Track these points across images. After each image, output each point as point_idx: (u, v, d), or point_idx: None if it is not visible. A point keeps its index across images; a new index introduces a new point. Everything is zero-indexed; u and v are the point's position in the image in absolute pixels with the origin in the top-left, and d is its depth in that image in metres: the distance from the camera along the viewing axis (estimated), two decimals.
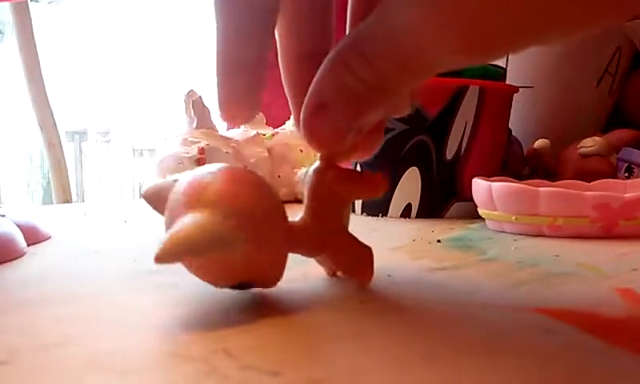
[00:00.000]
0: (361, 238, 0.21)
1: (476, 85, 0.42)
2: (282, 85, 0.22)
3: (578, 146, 0.49)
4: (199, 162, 0.48)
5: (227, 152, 0.51)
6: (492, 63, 0.44)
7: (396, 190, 0.43)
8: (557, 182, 0.40)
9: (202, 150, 0.49)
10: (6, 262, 0.27)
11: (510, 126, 0.48)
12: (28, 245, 0.31)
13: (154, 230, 0.40)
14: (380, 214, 0.44)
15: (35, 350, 0.15)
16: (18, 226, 0.30)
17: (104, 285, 0.23)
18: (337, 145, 0.18)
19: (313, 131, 0.18)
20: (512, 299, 0.20)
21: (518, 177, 0.42)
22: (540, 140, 0.52)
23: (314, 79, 0.18)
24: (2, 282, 0.24)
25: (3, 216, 0.31)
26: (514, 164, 0.49)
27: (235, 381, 0.13)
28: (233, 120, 0.20)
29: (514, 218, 0.34)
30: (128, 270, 0.25)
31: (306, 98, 0.18)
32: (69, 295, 0.21)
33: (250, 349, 0.15)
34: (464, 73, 0.42)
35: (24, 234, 0.30)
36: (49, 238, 0.35)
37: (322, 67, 0.17)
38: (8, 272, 0.25)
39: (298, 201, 0.57)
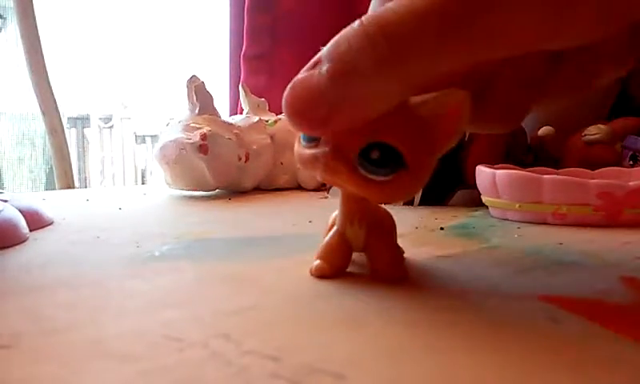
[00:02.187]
0: None
1: None
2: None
3: (583, 134, 0.49)
4: (201, 148, 0.48)
5: (229, 138, 0.51)
6: None
7: None
8: (561, 170, 0.40)
9: (204, 136, 0.49)
10: (8, 247, 0.27)
11: None
12: (31, 230, 0.31)
13: (156, 216, 0.40)
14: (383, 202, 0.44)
15: (38, 334, 0.15)
16: (21, 211, 0.30)
17: (106, 270, 0.23)
18: (310, 108, 0.16)
19: (295, 84, 0.16)
20: (515, 287, 0.19)
21: (522, 164, 0.42)
22: (544, 127, 0.52)
23: None
24: (5, 266, 0.24)
25: (6, 201, 0.31)
26: (518, 152, 0.49)
27: (235, 366, 0.13)
28: None
29: (517, 205, 0.34)
30: (130, 256, 0.25)
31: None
32: (71, 280, 0.21)
33: (250, 334, 0.15)
34: None
35: (27, 220, 0.30)
36: (51, 223, 0.35)
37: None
38: (11, 257, 0.25)
39: (300, 188, 0.57)
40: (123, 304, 0.18)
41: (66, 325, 0.16)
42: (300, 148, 0.18)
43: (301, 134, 0.18)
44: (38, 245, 0.28)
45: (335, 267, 0.21)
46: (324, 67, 0.16)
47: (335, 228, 0.21)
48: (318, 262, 0.21)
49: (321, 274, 0.21)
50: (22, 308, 0.17)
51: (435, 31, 0.14)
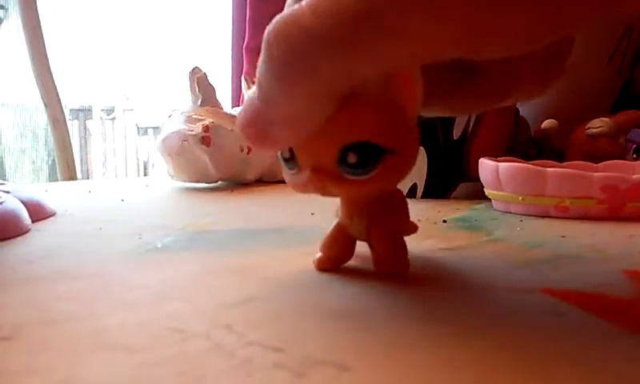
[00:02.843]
0: None
1: None
2: None
3: (586, 127, 0.49)
4: (204, 139, 0.48)
5: (232, 130, 0.51)
6: None
7: None
8: (564, 163, 0.40)
9: (206, 128, 0.49)
10: (11, 238, 0.27)
11: (517, 106, 0.48)
12: (33, 221, 0.31)
13: (158, 208, 0.40)
14: None
15: (40, 325, 0.15)
16: (23, 202, 0.30)
17: (108, 261, 0.23)
18: (253, 129, 0.16)
19: (244, 105, 0.16)
20: (518, 280, 0.19)
21: (526, 157, 0.41)
22: (548, 120, 0.52)
23: None
24: (7, 258, 0.24)
25: (8, 192, 0.31)
26: (522, 144, 0.49)
27: (238, 357, 0.13)
28: None
29: (520, 198, 0.34)
30: (132, 247, 0.25)
31: None
32: (73, 271, 0.21)
33: (253, 325, 0.15)
34: None
35: (29, 211, 0.30)
36: (53, 214, 0.35)
37: None
38: (13, 248, 0.25)
39: None
40: (125, 295, 0.18)
41: (67, 316, 0.16)
42: (287, 175, 0.18)
43: (281, 160, 0.18)
44: (40, 236, 0.28)
45: (335, 260, 0.21)
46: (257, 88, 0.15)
47: (337, 220, 0.21)
48: (319, 254, 0.21)
49: (321, 267, 0.21)
50: (23, 299, 0.17)
51: (340, 39, 0.13)
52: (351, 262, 0.21)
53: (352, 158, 0.16)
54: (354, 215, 0.20)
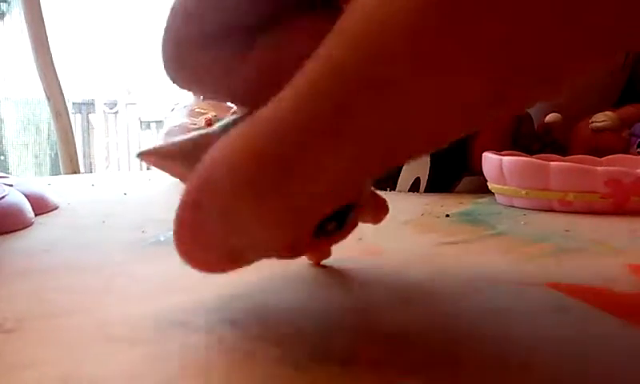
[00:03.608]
0: None
1: None
2: None
3: (590, 121, 0.48)
4: None
5: None
6: None
7: (404, 164, 0.42)
8: (568, 157, 0.40)
9: (209, 121, 0.48)
10: (14, 231, 0.27)
11: None
12: (36, 215, 0.31)
13: (161, 202, 0.40)
14: (388, 188, 0.44)
15: (43, 318, 0.15)
16: (26, 196, 0.30)
17: (111, 255, 0.23)
18: (206, 261, 0.14)
19: (180, 228, 0.14)
20: (522, 274, 0.19)
21: (529, 151, 0.41)
22: (551, 114, 0.51)
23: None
24: (11, 251, 0.24)
25: (11, 186, 0.31)
26: (525, 138, 0.48)
27: (240, 351, 0.13)
28: None
29: (524, 192, 0.34)
30: (135, 241, 0.25)
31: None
32: (76, 265, 0.21)
33: (255, 319, 0.15)
34: None
35: (32, 204, 0.30)
36: (56, 208, 0.35)
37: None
38: (16, 241, 0.25)
39: None
40: (128, 289, 0.18)
41: (70, 309, 0.16)
42: None
43: None
44: (43, 229, 0.28)
45: (317, 258, 0.20)
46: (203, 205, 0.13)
47: None
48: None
49: (313, 261, 0.20)
50: (26, 292, 0.17)
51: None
52: (352, 259, 0.21)
53: (331, 227, 0.15)
54: None
